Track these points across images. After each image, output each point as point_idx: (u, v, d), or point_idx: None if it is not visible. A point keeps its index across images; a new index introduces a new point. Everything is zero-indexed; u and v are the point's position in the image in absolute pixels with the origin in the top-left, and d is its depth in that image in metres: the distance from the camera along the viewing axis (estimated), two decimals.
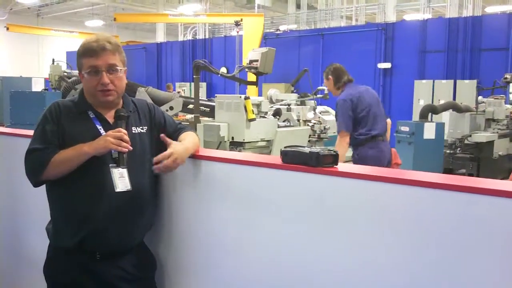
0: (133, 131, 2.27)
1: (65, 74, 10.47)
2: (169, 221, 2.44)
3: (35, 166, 2.18)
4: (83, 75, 2.21)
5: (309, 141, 5.96)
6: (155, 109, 2.44)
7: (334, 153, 1.91)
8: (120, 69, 2.22)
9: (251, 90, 12.14)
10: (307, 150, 1.93)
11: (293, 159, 1.96)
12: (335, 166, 1.90)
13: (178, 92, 10.48)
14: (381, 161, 4.70)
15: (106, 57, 2.17)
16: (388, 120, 5.21)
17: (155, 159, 2.17)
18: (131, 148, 2.13)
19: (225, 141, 4.90)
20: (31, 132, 2.31)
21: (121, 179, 2.12)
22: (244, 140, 4.89)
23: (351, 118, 4.76)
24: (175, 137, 2.36)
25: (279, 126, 5.53)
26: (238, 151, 4.81)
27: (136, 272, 2.29)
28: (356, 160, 4.81)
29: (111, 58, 2.19)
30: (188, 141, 2.30)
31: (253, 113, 4.89)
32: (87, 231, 2.16)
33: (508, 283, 1.49)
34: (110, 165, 2.12)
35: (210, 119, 5.62)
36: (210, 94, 17.59)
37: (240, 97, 4.93)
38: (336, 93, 5.02)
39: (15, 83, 12.66)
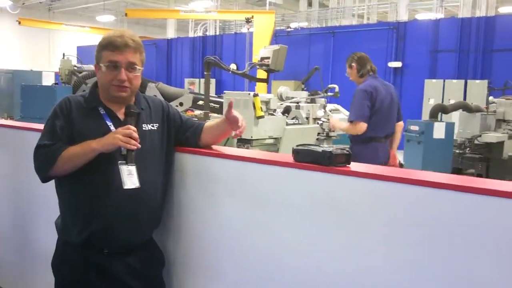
0: (144, 128, 2.26)
1: (76, 68, 10.49)
2: (178, 218, 2.43)
3: (44, 162, 2.17)
4: (101, 67, 2.19)
5: (317, 139, 5.93)
6: (169, 108, 2.44)
7: (347, 152, 1.89)
8: (138, 69, 2.22)
9: (261, 87, 12.11)
10: (319, 149, 1.91)
11: (305, 158, 1.94)
12: (347, 165, 1.88)
13: (189, 89, 10.49)
14: (374, 161, 4.62)
15: (127, 54, 2.16)
16: (400, 123, 5.08)
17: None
18: (139, 145, 2.11)
19: (232, 137, 4.88)
20: (41, 126, 2.31)
21: (129, 177, 2.10)
22: (252, 137, 4.86)
23: (368, 107, 4.63)
24: (192, 133, 2.38)
25: (287, 124, 5.49)
26: (246, 148, 4.79)
27: (144, 269, 2.29)
28: None
29: (132, 56, 2.18)
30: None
31: (262, 111, 4.87)
32: (95, 228, 2.16)
33: None
34: (119, 162, 2.11)
35: (220, 115, 5.60)
36: (220, 91, 17.59)
37: (249, 94, 4.91)
38: (359, 81, 4.89)
39: (25, 76, 12.72)
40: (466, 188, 1.57)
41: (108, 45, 2.17)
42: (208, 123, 2.44)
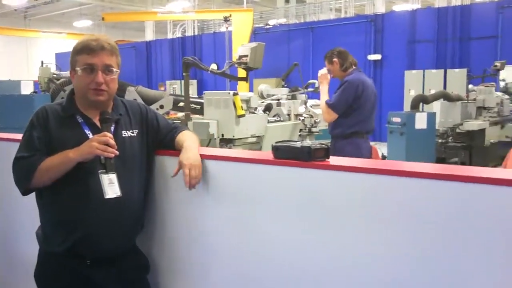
0: (123, 135, 2.22)
1: (54, 76, 10.40)
2: (162, 222, 2.40)
3: (23, 175, 2.14)
4: (77, 72, 2.15)
5: (300, 135, 5.93)
6: (147, 111, 2.39)
7: (326, 147, 1.89)
8: (115, 71, 2.19)
9: (242, 86, 12.08)
10: (298, 144, 1.92)
11: (285, 154, 1.94)
12: (327, 159, 1.88)
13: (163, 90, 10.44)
14: (358, 157, 4.54)
15: (103, 57, 2.14)
16: (375, 147, 5.09)
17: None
18: (117, 153, 2.07)
19: (215, 139, 4.85)
20: (19, 136, 2.27)
21: (110, 186, 2.06)
22: (234, 136, 4.85)
23: (347, 104, 4.62)
24: (170, 138, 2.33)
25: (269, 122, 5.48)
26: (228, 148, 4.77)
27: (128, 276, 2.26)
28: (332, 152, 4.68)
29: (108, 58, 2.15)
30: (188, 143, 2.25)
31: (242, 109, 4.85)
32: (78, 237, 2.12)
33: (505, 271, 1.48)
34: (99, 171, 2.07)
35: (201, 116, 5.57)
36: (201, 91, 17.55)
37: (229, 93, 4.89)
38: (342, 75, 4.84)
39: (3, 86, 12.56)
40: (446, 176, 1.57)
41: (84, 49, 2.14)
42: (180, 138, 2.33)
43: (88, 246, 2.14)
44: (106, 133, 2.09)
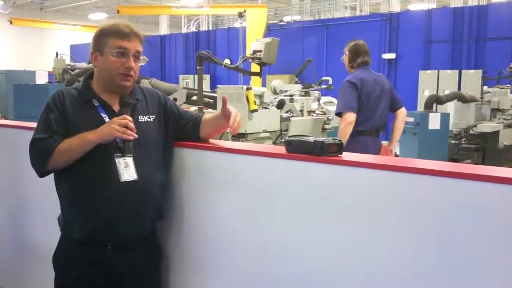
0: (140, 120, 2.23)
1: (69, 67, 10.46)
2: (178, 213, 2.40)
3: (40, 156, 2.15)
4: (104, 53, 2.17)
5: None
6: (166, 99, 2.42)
7: (339, 142, 1.89)
8: (142, 58, 2.24)
9: (255, 82, 12.11)
10: (311, 139, 1.91)
11: (297, 149, 1.94)
12: (339, 155, 1.88)
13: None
14: None
15: (135, 43, 2.19)
16: (401, 110, 4.84)
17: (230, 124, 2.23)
18: (136, 136, 2.11)
19: (227, 133, 4.86)
20: (34, 125, 2.29)
21: (126, 169, 2.08)
22: (246, 131, 4.85)
23: (356, 98, 4.48)
24: (193, 123, 2.38)
25: (282, 117, 5.48)
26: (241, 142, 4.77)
27: (144, 265, 2.27)
28: None
29: (139, 45, 2.22)
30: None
31: (255, 104, 4.85)
32: (96, 223, 2.14)
33: None
34: (115, 154, 2.09)
35: (214, 110, 5.59)
36: (214, 86, 17.57)
37: (242, 87, 4.89)
38: (350, 71, 4.76)
39: (18, 76, 12.68)
40: (460, 174, 1.56)
41: (116, 33, 2.17)
42: (205, 116, 2.42)
43: (107, 231, 2.15)
44: (125, 116, 2.12)
